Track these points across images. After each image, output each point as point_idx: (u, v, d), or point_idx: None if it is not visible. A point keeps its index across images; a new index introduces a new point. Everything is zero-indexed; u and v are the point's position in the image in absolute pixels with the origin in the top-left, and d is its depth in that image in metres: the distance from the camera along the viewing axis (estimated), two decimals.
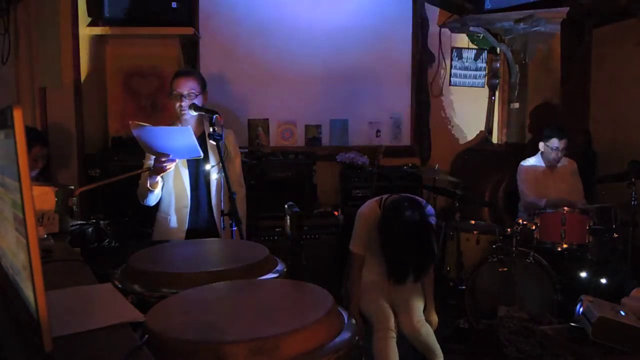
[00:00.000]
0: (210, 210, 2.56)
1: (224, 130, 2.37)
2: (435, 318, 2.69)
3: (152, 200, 2.49)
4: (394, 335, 2.46)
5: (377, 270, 2.76)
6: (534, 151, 3.96)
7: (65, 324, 0.92)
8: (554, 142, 3.67)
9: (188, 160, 2.52)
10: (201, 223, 2.53)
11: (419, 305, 2.61)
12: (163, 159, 2.29)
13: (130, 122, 2.23)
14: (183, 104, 2.45)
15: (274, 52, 4.21)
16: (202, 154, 2.31)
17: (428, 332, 2.53)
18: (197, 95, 2.50)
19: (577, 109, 4.65)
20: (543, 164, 3.82)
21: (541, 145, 3.78)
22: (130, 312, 1.05)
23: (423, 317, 2.57)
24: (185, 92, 2.47)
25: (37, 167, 2.90)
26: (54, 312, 0.79)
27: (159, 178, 2.39)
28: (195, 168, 2.53)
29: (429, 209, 2.57)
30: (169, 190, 2.52)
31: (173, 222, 2.52)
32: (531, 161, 3.87)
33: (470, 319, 3.23)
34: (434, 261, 2.64)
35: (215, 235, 2.50)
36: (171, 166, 2.35)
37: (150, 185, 2.40)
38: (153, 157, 2.43)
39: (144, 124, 2.24)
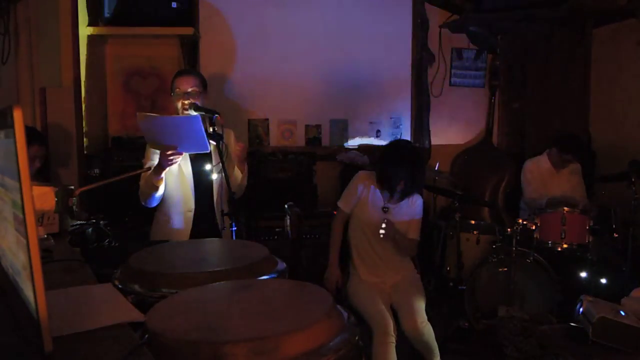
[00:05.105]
0: (212, 212, 2.55)
1: (224, 130, 2.36)
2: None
3: (155, 200, 2.46)
4: (394, 340, 2.47)
5: (376, 272, 2.78)
6: (534, 152, 3.97)
7: (65, 324, 0.92)
8: (569, 156, 3.74)
9: (191, 161, 2.51)
10: (203, 224, 2.52)
11: (421, 305, 2.62)
12: (169, 152, 2.25)
13: (137, 113, 2.22)
14: (186, 102, 2.44)
15: (274, 52, 4.21)
16: (209, 149, 2.29)
17: (430, 333, 2.55)
18: (199, 94, 2.49)
19: (577, 109, 4.64)
20: (549, 164, 3.85)
21: (554, 150, 3.79)
22: (130, 312, 1.05)
23: (426, 318, 2.58)
24: (188, 90, 2.46)
25: (35, 167, 2.90)
26: (54, 312, 0.79)
27: (163, 174, 2.37)
28: (199, 168, 2.52)
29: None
30: (172, 192, 2.50)
31: (177, 224, 2.49)
32: (537, 160, 3.89)
33: (470, 319, 3.23)
34: (422, 184, 2.93)
35: (218, 236, 2.49)
36: (178, 159, 2.31)
37: (154, 182, 2.35)
38: (154, 156, 2.41)
39: (152, 114, 2.23)
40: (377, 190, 2.80)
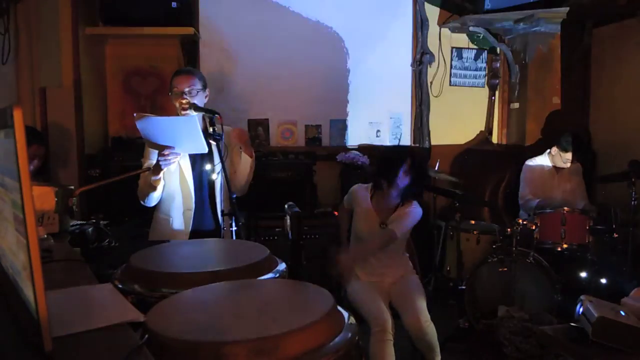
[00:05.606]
0: (212, 212, 2.55)
1: (227, 129, 2.35)
2: None
3: (153, 199, 2.46)
4: (391, 338, 2.47)
5: (376, 271, 2.78)
6: (534, 152, 3.96)
7: (65, 324, 0.92)
8: (569, 155, 3.72)
9: (192, 161, 2.50)
10: (204, 224, 2.52)
11: (423, 305, 2.62)
12: (167, 152, 2.24)
13: (135, 114, 2.21)
14: (184, 101, 2.43)
15: (274, 52, 4.21)
16: (207, 149, 2.28)
17: (433, 332, 2.56)
18: (198, 93, 2.47)
19: (577, 109, 4.64)
20: (550, 164, 3.84)
21: (554, 149, 3.79)
22: (130, 312, 1.05)
23: (429, 317, 2.58)
24: (186, 90, 2.44)
25: (34, 166, 2.90)
26: (54, 312, 0.79)
27: (161, 174, 2.36)
28: (199, 168, 2.51)
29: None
30: (172, 191, 2.49)
31: (177, 224, 2.49)
32: (538, 160, 3.88)
33: (470, 319, 3.23)
34: (423, 184, 2.90)
35: (218, 236, 2.49)
36: (175, 160, 2.30)
37: (152, 182, 2.35)
38: (152, 155, 2.41)
39: (149, 114, 2.23)
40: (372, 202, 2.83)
